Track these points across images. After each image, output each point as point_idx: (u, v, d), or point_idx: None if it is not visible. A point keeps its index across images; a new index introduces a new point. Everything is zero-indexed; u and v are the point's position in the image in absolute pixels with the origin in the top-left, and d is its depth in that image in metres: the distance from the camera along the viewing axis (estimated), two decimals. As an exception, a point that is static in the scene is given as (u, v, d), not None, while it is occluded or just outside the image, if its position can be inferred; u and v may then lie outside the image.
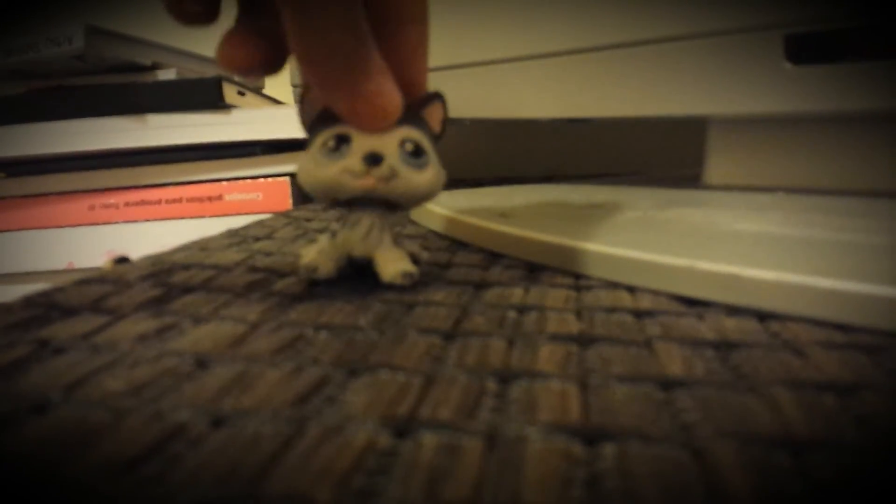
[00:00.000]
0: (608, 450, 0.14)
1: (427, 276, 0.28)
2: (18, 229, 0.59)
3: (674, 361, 0.18)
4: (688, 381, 0.17)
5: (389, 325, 0.21)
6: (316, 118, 0.25)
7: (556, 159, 0.74)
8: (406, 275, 0.25)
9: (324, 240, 0.26)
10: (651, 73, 0.37)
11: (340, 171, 0.23)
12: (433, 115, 0.26)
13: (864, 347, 0.19)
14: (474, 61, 0.46)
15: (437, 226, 0.39)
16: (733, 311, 0.23)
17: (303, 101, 0.25)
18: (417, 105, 0.25)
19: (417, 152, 0.24)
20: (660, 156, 0.69)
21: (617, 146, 0.73)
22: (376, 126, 0.23)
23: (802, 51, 0.31)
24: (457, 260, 0.31)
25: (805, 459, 0.13)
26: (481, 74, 0.46)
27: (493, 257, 0.32)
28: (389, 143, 0.23)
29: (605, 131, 0.72)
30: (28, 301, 0.24)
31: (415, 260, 0.27)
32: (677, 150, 0.60)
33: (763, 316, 0.22)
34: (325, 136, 0.24)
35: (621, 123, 0.68)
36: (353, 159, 0.23)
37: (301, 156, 0.25)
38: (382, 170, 0.23)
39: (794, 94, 0.32)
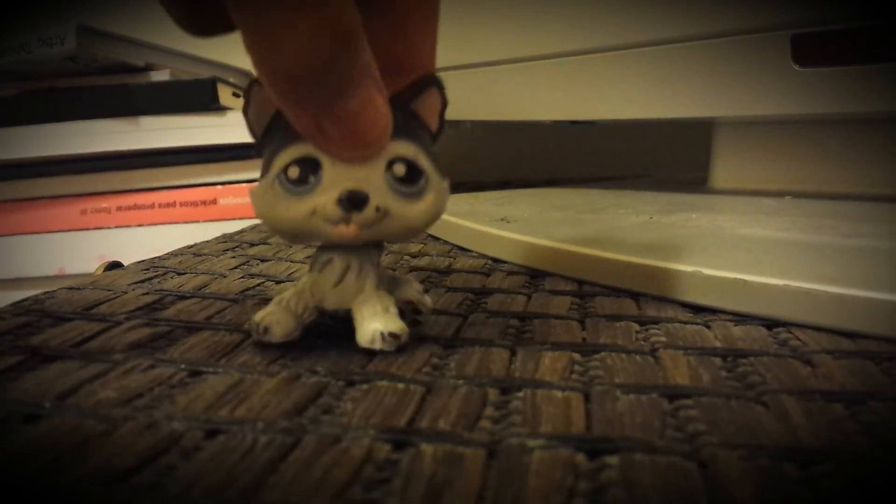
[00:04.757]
0: (612, 460, 0.13)
1: (427, 282, 0.28)
2: (8, 234, 0.58)
3: (679, 370, 0.18)
4: (694, 390, 0.17)
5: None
6: (271, 127, 0.19)
7: (559, 163, 0.74)
8: (388, 337, 0.19)
9: (290, 288, 0.21)
10: (656, 75, 0.36)
11: (309, 213, 0.18)
12: (428, 108, 0.20)
13: (872, 356, 0.19)
14: (476, 62, 0.46)
15: (437, 230, 0.38)
16: (740, 318, 0.22)
17: (248, 98, 0.19)
18: (405, 95, 0.19)
19: (412, 175, 0.19)
20: (665, 159, 0.69)
21: (621, 149, 0.73)
22: (356, 155, 0.18)
23: (810, 52, 0.31)
24: (457, 265, 0.31)
25: (813, 469, 0.13)
26: (483, 76, 0.46)
27: (495, 263, 0.32)
28: (374, 172, 0.18)
29: (609, 134, 0.72)
30: (18, 308, 0.24)
31: (415, 310, 0.21)
32: (683, 153, 0.60)
33: (770, 323, 0.22)
34: (286, 159, 0.18)
35: (626, 126, 0.68)
36: (325, 198, 0.18)
37: (258, 184, 0.19)
38: (367, 214, 0.18)
39: (801, 96, 0.32)
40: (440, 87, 0.20)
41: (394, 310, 0.20)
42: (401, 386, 0.17)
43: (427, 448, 0.14)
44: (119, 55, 0.56)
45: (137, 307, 0.24)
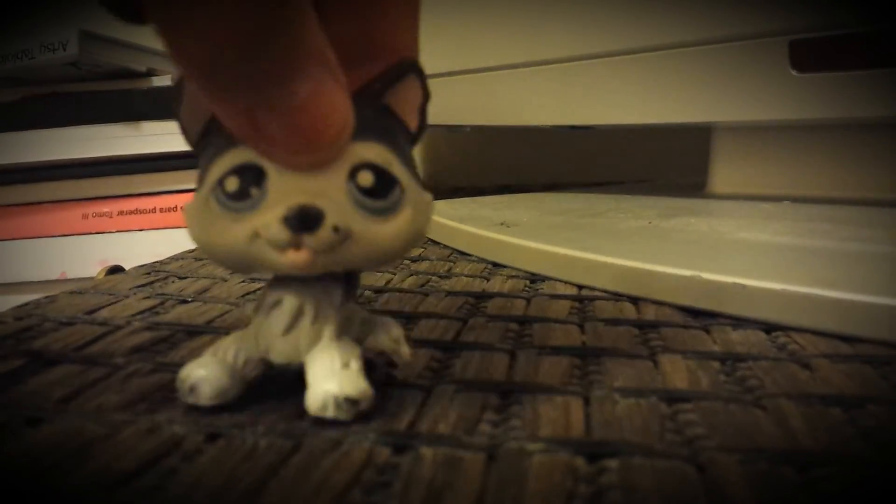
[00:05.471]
0: (611, 464, 0.13)
1: (427, 286, 0.28)
2: (10, 239, 0.58)
3: (678, 374, 0.18)
4: (692, 394, 0.17)
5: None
6: (208, 128, 0.16)
7: (558, 167, 0.74)
8: (343, 403, 0.15)
9: (230, 337, 0.17)
10: (655, 81, 0.36)
11: (250, 236, 0.14)
12: (405, 101, 0.16)
13: (870, 360, 0.19)
14: (476, 67, 0.46)
15: (436, 235, 0.38)
16: (739, 322, 0.22)
17: (179, 93, 0.16)
18: (376, 86, 0.16)
19: (382, 186, 0.15)
20: (664, 164, 0.69)
21: (620, 154, 0.73)
22: (306, 161, 0.14)
23: (808, 58, 0.31)
24: (457, 270, 0.31)
25: (811, 473, 0.13)
26: (483, 81, 0.46)
27: (494, 267, 0.32)
28: (332, 182, 0.14)
29: (608, 139, 0.72)
30: (20, 312, 0.24)
31: (389, 363, 0.18)
32: (682, 158, 0.60)
33: (769, 328, 0.22)
34: (223, 167, 0.15)
35: (625, 131, 0.68)
36: (269, 217, 0.14)
37: (191, 200, 0.15)
38: (322, 236, 0.14)
39: (799, 101, 0.32)
40: (420, 76, 0.16)
41: (356, 365, 0.15)
42: (401, 389, 0.17)
43: (427, 452, 0.14)
44: (121, 60, 0.56)
45: (139, 311, 0.24)
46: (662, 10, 0.35)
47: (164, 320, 0.23)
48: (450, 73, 0.47)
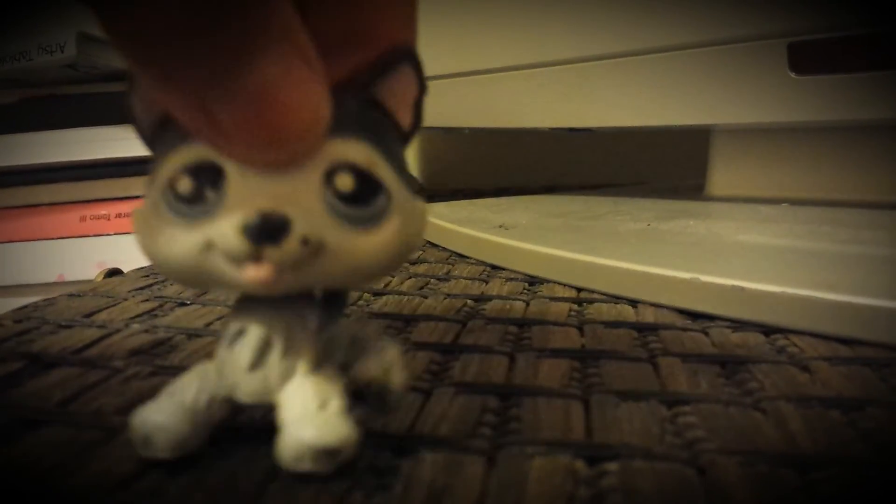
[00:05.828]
0: (611, 467, 0.13)
1: (426, 289, 0.28)
2: (8, 241, 0.58)
3: (678, 377, 0.18)
4: (692, 396, 0.17)
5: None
6: (164, 121, 0.13)
7: (557, 169, 0.74)
8: (320, 455, 0.12)
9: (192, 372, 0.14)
10: (654, 83, 0.37)
11: (203, 247, 0.12)
12: (397, 94, 0.14)
13: (869, 362, 0.19)
14: (474, 69, 0.46)
15: (435, 238, 0.38)
16: (738, 325, 0.22)
17: (132, 80, 0.13)
18: (363, 76, 0.14)
19: (365, 191, 0.13)
20: (663, 166, 0.69)
21: (619, 156, 0.73)
22: (270, 158, 0.12)
23: (806, 60, 0.31)
24: (456, 272, 0.31)
25: (811, 475, 0.13)
26: (481, 83, 0.46)
27: (493, 269, 0.32)
28: (304, 185, 0.12)
29: (606, 141, 0.72)
30: (19, 314, 0.24)
31: (380, 392, 0.14)
32: (680, 160, 0.60)
33: (768, 330, 0.22)
34: (175, 165, 0.13)
35: (623, 133, 0.68)
36: (226, 224, 0.12)
37: (141, 203, 0.13)
38: (287, 249, 0.12)
39: (798, 103, 0.32)
40: (416, 66, 0.14)
41: (336, 405, 0.13)
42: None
43: (427, 455, 0.14)
44: (119, 62, 0.56)
45: (137, 314, 0.24)
46: (661, 12, 0.35)
47: (163, 323, 0.23)
48: (448, 75, 0.47)
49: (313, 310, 0.14)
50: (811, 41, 0.31)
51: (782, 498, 0.12)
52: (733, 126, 0.40)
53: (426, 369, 0.18)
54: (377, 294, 0.27)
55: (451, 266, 0.33)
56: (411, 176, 0.14)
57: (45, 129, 0.56)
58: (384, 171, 0.13)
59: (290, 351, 0.13)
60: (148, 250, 0.13)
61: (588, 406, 0.16)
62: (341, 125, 0.13)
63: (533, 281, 0.29)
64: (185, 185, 0.12)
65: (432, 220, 0.39)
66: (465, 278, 0.30)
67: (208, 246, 0.12)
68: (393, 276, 0.30)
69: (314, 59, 0.12)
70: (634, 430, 0.15)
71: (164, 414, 0.13)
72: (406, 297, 0.26)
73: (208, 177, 0.12)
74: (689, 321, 0.23)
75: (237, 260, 0.12)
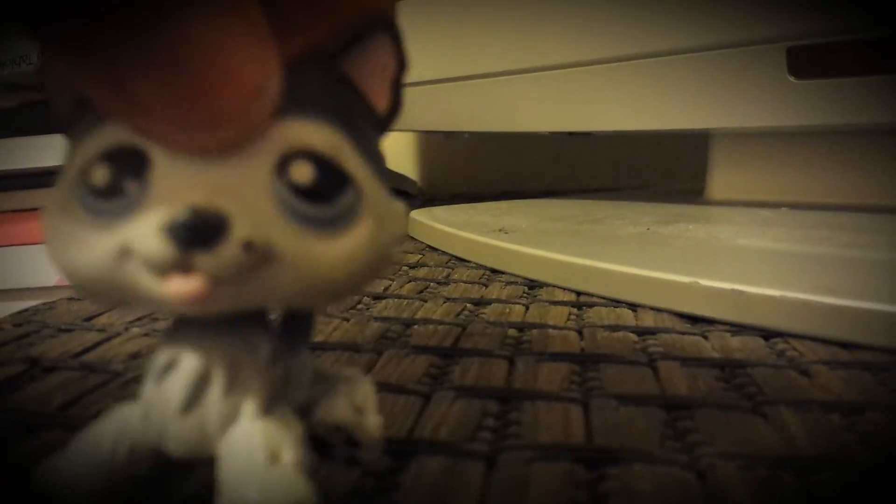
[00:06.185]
0: (612, 471, 0.13)
1: (426, 292, 0.28)
2: (8, 245, 0.58)
3: (677, 381, 0.18)
4: (692, 400, 0.17)
5: (387, 343, 0.21)
6: (79, 104, 0.11)
7: (556, 173, 0.74)
8: None
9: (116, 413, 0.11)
10: (653, 87, 0.37)
11: (119, 252, 0.10)
12: (371, 70, 0.11)
13: (868, 366, 0.19)
14: (474, 74, 0.46)
15: (435, 241, 0.38)
16: (737, 329, 0.22)
17: (43, 74, 0.12)
18: (332, 46, 0.11)
19: (327, 185, 0.10)
20: (662, 170, 0.69)
21: (618, 160, 0.73)
22: (204, 139, 0.10)
23: (805, 65, 0.31)
24: (455, 276, 0.31)
25: (810, 479, 0.13)
26: (481, 87, 0.46)
27: (493, 273, 0.32)
28: (249, 175, 0.10)
29: (606, 145, 0.72)
30: (18, 318, 0.24)
31: (350, 441, 0.12)
32: (680, 164, 0.60)
33: (768, 334, 0.22)
34: (90, 152, 0.10)
35: (623, 137, 0.68)
36: (146, 225, 0.09)
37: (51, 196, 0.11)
38: (225, 256, 0.09)
39: (797, 107, 0.32)
40: (394, 37, 0.11)
41: (290, 456, 0.10)
42: (400, 396, 0.17)
43: (427, 459, 0.14)
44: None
45: (137, 318, 0.24)
46: (660, 16, 0.35)
47: (162, 327, 0.23)
48: (448, 79, 0.47)
49: (265, 336, 0.11)
50: (810, 45, 0.31)
51: (782, 501, 0.12)
52: (732, 130, 0.40)
53: (426, 373, 0.19)
54: (377, 298, 0.27)
55: (450, 270, 0.33)
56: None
57: (45, 132, 0.56)
58: (352, 162, 0.10)
59: (233, 388, 0.10)
60: (56, 258, 0.10)
61: (588, 410, 0.16)
62: (300, 103, 0.10)
63: (532, 284, 0.29)
64: (100, 175, 0.10)
65: (432, 223, 0.39)
66: (464, 282, 0.30)
67: (124, 251, 0.09)
68: (392, 280, 0.30)
69: (257, 15, 0.09)
70: (634, 434, 0.15)
71: (74, 470, 0.10)
72: (405, 301, 0.26)
73: (129, 165, 0.10)
74: (688, 325, 0.23)
75: (160, 270, 0.09)
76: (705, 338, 0.22)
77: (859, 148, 0.37)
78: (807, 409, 0.16)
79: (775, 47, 0.32)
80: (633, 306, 0.25)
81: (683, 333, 0.22)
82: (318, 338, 0.21)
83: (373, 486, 0.13)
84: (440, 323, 0.23)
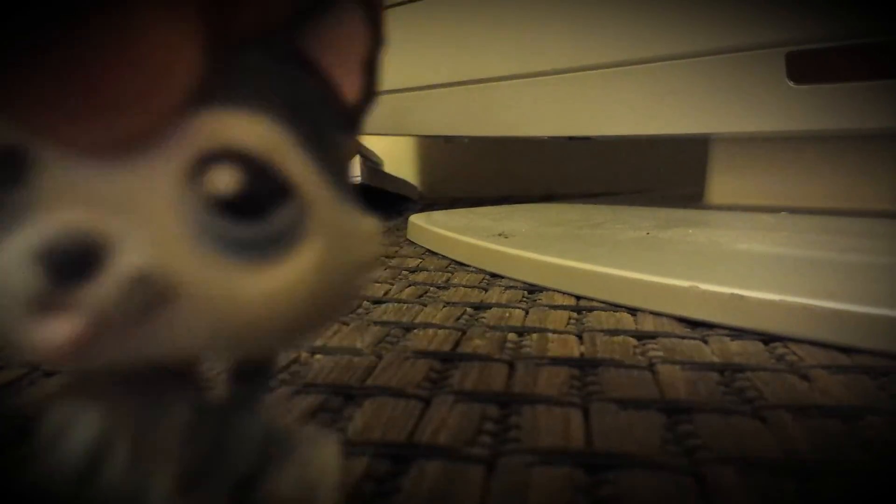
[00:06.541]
0: (611, 475, 0.13)
1: (426, 297, 0.28)
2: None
3: (677, 385, 0.18)
4: (691, 405, 0.17)
5: (387, 348, 0.21)
6: None
7: (556, 178, 0.74)
8: None
9: None
10: (653, 92, 0.37)
11: None
12: (337, 46, 0.09)
13: (868, 370, 0.19)
14: (474, 78, 0.46)
15: (435, 246, 0.38)
16: (737, 333, 0.22)
17: None
18: (287, 16, 0.09)
19: (259, 198, 0.08)
20: (662, 174, 0.70)
21: (618, 164, 0.73)
22: (93, 133, 0.07)
23: (804, 70, 0.31)
24: (455, 280, 0.31)
25: (810, 484, 0.13)
26: (481, 92, 0.46)
27: (493, 278, 0.32)
28: (152, 182, 0.08)
29: (606, 149, 0.72)
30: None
31: None
32: (679, 168, 0.60)
33: (767, 338, 0.22)
34: None
35: (622, 142, 0.68)
36: (11, 250, 0.07)
37: None
38: (108, 291, 0.07)
39: (796, 112, 0.32)
40: (367, 7, 0.09)
41: None
42: (400, 401, 0.17)
43: (427, 463, 0.14)
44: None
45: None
46: (660, 21, 0.35)
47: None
48: (448, 84, 0.47)
49: (187, 393, 0.09)
50: (809, 50, 0.31)
51: (781, 506, 0.12)
52: (732, 134, 0.40)
53: (425, 377, 0.18)
54: (376, 302, 0.27)
55: (450, 274, 0.33)
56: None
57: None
58: (297, 166, 0.08)
59: (141, 459, 0.08)
60: None
61: (587, 414, 0.16)
62: (231, 90, 0.08)
63: (532, 289, 0.29)
64: None
65: (432, 228, 0.39)
66: (464, 286, 0.30)
67: None
68: (392, 284, 0.30)
69: None
70: (634, 439, 0.15)
71: None
72: (405, 305, 0.26)
73: (7, 169, 0.08)
74: (688, 329, 0.23)
75: (28, 308, 0.07)
76: (705, 342, 0.22)
77: (858, 152, 0.37)
78: (806, 414, 0.16)
79: (774, 52, 0.32)
80: (633, 310, 0.25)
81: (683, 338, 0.22)
82: (318, 341, 0.21)
83: (372, 491, 0.13)
84: (440, 327, 0.23)
